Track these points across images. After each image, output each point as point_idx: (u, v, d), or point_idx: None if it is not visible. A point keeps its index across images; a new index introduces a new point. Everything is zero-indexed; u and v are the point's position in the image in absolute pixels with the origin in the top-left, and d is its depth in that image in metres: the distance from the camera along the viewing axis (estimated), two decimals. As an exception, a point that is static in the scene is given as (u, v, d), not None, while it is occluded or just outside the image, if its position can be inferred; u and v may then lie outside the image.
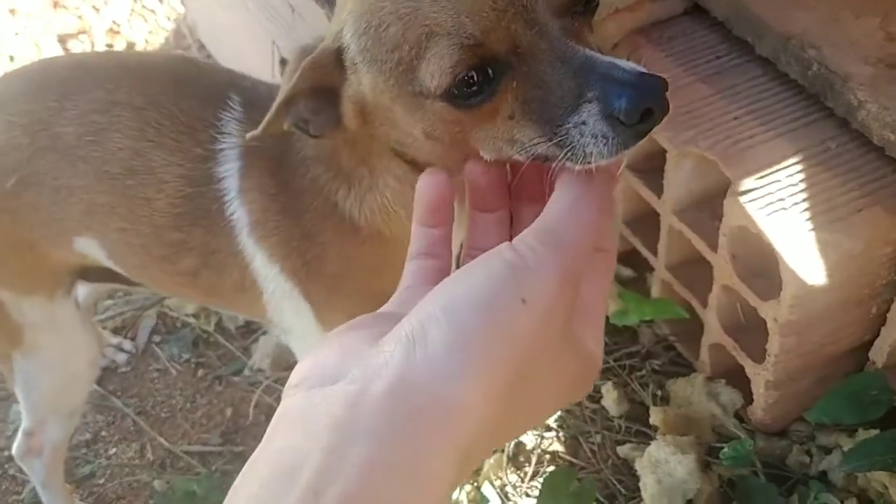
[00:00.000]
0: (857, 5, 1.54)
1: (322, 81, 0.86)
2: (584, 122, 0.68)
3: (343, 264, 1.13)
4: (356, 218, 1.06)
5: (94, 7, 2.92)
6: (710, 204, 1.58)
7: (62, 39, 2.83)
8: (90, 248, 1.25)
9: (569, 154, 0.69)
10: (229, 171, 1.15)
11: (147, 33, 2.83)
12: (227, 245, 1.18)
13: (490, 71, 0.72)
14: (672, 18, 1.69)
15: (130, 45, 2.79)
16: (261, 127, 0.88)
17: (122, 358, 1.99)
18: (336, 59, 0.84)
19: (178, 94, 1.17)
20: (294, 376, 0.60)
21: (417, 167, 0.96)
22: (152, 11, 2.89)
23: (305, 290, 1.17)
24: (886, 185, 1.38)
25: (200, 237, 1.18)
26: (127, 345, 2.01)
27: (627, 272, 1.87)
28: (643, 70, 0.68)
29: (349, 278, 1.14)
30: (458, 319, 0.56)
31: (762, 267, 1.41)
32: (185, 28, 2.76)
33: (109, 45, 2.79)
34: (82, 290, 1.61)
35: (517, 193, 0.74)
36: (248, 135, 0.90)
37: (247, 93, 1.18)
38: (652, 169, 1.67)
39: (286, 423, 0.56)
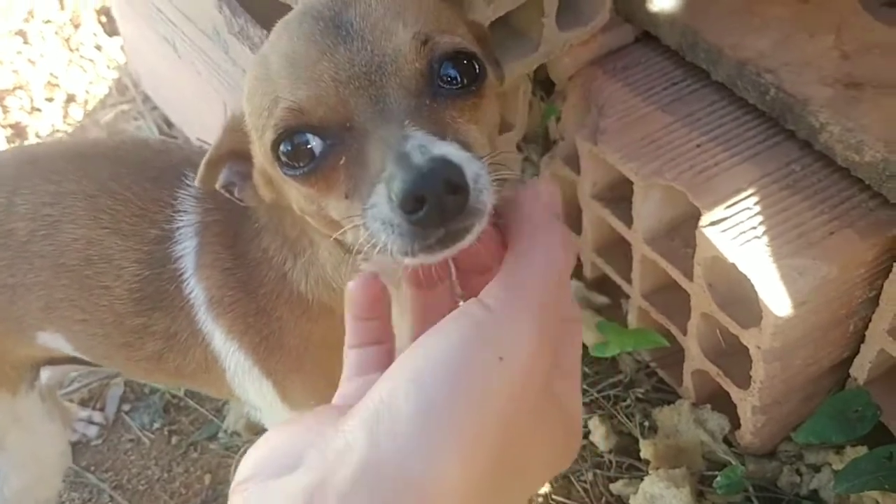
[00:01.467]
0: (809, 24, 1.54)
1: (239, 146, 0.84)
2: (374, 205, 0.61)
3: (300, 341, 1.09)
4: (304, 291, 1.03)
5: (29, 60, 2.82)
6: (681, 231, 1.57)
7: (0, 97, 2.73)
8: (55, 342, 1.21)
9: (371, 240, 0.62)
10: (186, 250, 1.12)
11: (88, 84, 2.74)
12: (187, 325, 1.14)
13: (318, 142, 0.68)
14: (625, 47, 1.68)
15: (71, 98, 2.70)
16: (195, 182, 0.89)
17: (93, 431, 1.93)
18: (242, 125, 0.82)
19: (130, 178, 1.14)
20: (244, 468, 0.53)
21: (340, 243, 0.91)
22: (91, 61, 2.80)
23: (265, 367, 1.13)
24: (854, 205, 1.37)
25: (161, 320, 1.15)
26: (97, 417, 1.94)
27: (602, 299, 1.85)
28: (447, 157, 0.59)
29: (308, 354, 1.11)
30: (427, 389, 0.49)
31: (740, 292, 1.39)
32: (128, 80, 2.68)
33: (49, 100, 2.71)
34: (46, 370, 1.55)
35: (462, 265, 0.65)
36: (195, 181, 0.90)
37: None
38: (618, 198, 1.65)
39: None
